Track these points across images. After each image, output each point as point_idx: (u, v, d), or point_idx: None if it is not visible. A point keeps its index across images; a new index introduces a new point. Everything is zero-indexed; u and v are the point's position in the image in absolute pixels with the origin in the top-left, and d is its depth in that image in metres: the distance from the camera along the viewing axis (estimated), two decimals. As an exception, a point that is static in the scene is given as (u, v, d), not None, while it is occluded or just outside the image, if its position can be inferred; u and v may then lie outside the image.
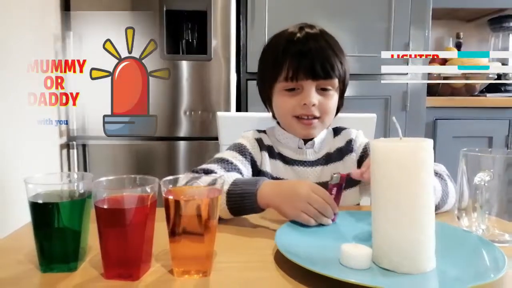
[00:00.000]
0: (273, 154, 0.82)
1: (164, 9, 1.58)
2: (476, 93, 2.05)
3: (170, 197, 0.48)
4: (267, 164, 0.80)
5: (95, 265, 0.50)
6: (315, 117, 0.78)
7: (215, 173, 0.72)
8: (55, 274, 0.48)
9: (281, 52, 0.77)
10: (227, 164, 0.74)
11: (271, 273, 0.49)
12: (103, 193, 0.48)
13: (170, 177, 0.51)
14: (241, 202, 0.63)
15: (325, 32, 0.80)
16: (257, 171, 0.80)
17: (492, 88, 2.07)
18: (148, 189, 0.48)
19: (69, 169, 1.61)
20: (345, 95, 0.85)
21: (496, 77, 2.01)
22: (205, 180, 0.65)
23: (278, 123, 0.86)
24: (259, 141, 0.82)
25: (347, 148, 0.83)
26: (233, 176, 0.67)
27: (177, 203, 0.48)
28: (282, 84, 0.78)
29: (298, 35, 0.77)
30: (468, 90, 2.03)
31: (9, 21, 1.27)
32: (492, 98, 1.94)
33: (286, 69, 0.75)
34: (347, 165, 0.82)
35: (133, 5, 1.60)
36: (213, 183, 0.63)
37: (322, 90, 0.77)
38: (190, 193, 0.50)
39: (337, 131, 0.87)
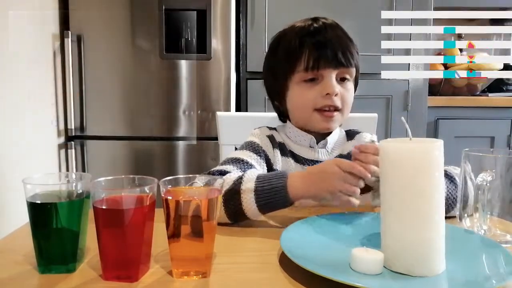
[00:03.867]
0: (285, 151, 0.80)
1: (164, 7, 1.58)
2: (478, 93, 2.05)
3: (169, 197, 0.47)
4: (278, 161, 0.78)
5: (94, 266, 0.50)
6: (336, 109, 0.76)
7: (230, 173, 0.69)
8: (53, 275, 0.48)
9: (298, 43, 0.75)
10: (243, 164, 0.72)
11: (271, 275, 0.48)
12: (102, 193, 0.47)
13: (169, 178, 0.50)
14: (273, 198, 0.60)
15: (338, 24, 0.79)
16: (269, 168, 0.78)
17: (494, 88, 2.07)
18: (147, 189, 0.48)
19: (68, 169, 1.61)
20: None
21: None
22: (229, 179, 0.63)
23: (288, 120, 0.83)
24: (271, 138, 0.80)
25: None
26: (254, 172, 0.65)
27: (176, 203, 0.47)
28: (300, 75, 0.75)
29: (315, 25, 0.76)
30: (470, 90, 2.03)
31: (7, 20, 1.27)
32: (494, 98, 1.94)
33: (306, 59, 0.73)
34: None
35: (132, 3, 1.59)
36: (238, 181, 0.62)
37: (341, 81, 0.76)
38: (189, 194, 0.50)
39: (350, 134, 0.85)
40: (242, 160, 0.73)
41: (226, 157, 0.76)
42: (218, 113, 1.06)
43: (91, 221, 0.48)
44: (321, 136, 0.80)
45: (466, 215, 0.61)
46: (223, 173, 0.69)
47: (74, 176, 0.55)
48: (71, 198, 0.49)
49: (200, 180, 0.51)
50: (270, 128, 0.83)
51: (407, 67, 1.78)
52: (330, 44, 0.73)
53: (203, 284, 0.46)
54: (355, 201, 0.58)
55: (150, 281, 0.47)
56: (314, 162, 0.79)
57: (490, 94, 2.01)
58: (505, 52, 2.19)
